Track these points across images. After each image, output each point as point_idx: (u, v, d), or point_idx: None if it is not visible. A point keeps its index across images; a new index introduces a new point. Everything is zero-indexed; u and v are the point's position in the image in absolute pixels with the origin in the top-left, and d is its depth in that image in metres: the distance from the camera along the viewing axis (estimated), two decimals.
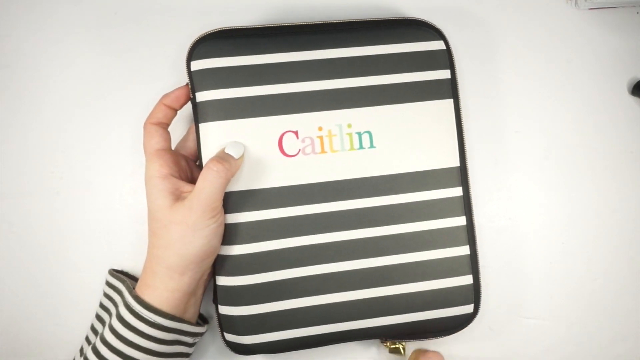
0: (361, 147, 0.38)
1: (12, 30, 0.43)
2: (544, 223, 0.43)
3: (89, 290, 0.42)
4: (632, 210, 0.44)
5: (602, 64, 0.44)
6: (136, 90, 0.43)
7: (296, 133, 0.37)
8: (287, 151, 0.37)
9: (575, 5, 0.45)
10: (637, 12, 0.45)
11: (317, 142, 0.37)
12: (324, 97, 0.37)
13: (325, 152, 0.37)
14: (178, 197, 0.35)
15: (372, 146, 0.38)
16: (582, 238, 0.43)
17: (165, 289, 0.34)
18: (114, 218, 0.42)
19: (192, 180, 0.37)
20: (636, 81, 0.44)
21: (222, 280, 0.37)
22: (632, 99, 0.44)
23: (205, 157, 0.37)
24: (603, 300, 0.43)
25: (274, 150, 0.37)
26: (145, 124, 0.37)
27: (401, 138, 0.38)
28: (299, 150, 0.37)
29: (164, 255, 0.34)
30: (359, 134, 0.38)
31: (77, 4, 0.43)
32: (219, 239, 0.36)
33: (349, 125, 0.38)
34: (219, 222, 0.35)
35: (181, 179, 0.36)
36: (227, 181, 0.35)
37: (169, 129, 0.38)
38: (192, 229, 0.33)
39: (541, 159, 0.44)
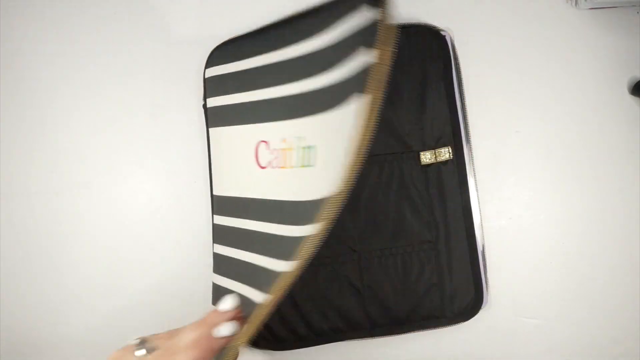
0: (308, 164, 0.30)
1: (12, 29, 0.43)
2: (544, 223, 0.43)
3: (88, 290, 0.42)
4: (632, 210, 0.43)
5: (602, 64, 0.44)
6: (136, 90, 0.43)
7: (267, 144, 0.33)
8: (261, 162, 0.33)
9: (575, 5, 0.44)
10: (637, 12, 0.45)
11: (281, 155, 0.32)
12: (283, 104, 0.32)
13: (284, 168, 0.31)
14: None
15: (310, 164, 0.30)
16: (582, 238, 0.43)
17: None
18: (113, 218, 0.42)
19: None
20: (636, 81, 0.44)
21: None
22: (632, 99, 0.44)
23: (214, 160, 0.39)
24: (603, 300, 0.43)
25: (251, 160, 0.34)
26: None
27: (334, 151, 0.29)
28: (269, 162, 0.33)
29: None
30: (307, 149, 0.30)
31: (78, 5, 0.43)
32: None
33: (301, 139, 0.30)
34: None
35: None
36: None
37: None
38: None
39: (541, 159, 0.44)
